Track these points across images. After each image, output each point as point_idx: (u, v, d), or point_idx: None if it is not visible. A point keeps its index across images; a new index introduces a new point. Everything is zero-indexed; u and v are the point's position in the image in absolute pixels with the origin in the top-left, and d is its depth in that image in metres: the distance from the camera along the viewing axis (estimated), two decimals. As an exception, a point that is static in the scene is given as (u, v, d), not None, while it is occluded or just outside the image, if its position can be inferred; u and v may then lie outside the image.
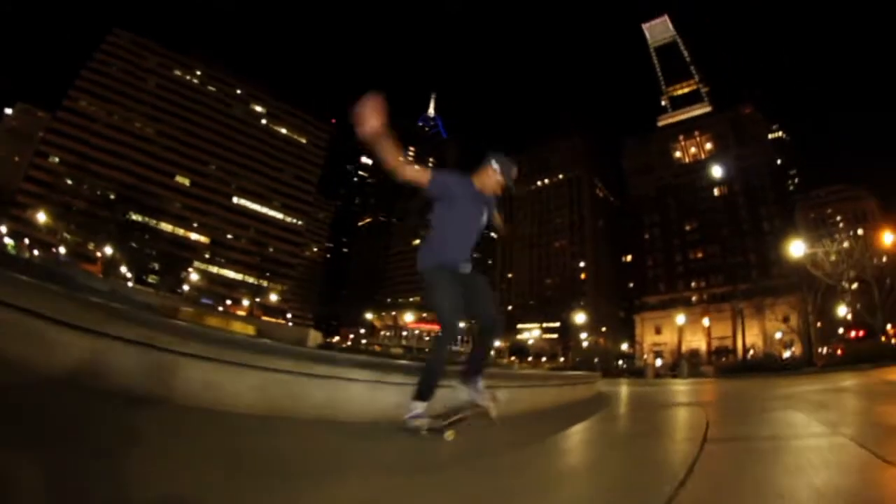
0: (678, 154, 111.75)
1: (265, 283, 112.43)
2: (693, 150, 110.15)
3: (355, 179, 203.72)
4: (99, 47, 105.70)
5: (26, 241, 74.72)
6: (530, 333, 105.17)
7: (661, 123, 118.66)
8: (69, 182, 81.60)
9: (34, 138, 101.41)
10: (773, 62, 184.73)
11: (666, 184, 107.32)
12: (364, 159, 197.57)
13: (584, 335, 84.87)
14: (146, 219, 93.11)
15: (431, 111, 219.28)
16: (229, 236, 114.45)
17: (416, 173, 3.71)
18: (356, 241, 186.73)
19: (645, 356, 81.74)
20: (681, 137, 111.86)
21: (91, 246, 79.37)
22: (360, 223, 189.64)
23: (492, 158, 3.95)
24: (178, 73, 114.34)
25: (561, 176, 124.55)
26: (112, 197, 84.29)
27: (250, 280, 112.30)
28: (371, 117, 3.32)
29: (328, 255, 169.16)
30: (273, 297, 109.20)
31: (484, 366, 3.97)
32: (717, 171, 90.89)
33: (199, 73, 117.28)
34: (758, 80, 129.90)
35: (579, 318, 79.47)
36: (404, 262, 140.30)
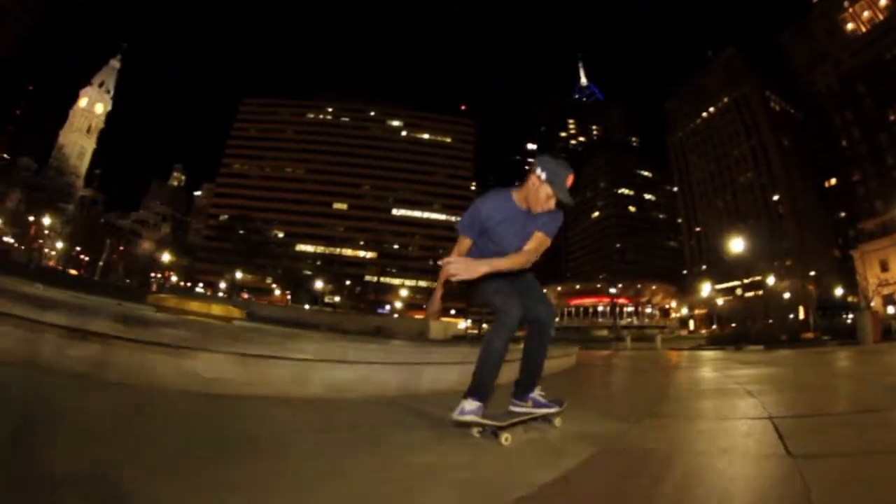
0: (850, 26, 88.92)
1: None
2: (866, 13, 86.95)
3: (526, 168, 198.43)
4: (235, 118, 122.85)
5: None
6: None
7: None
8: (241, 232, 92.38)
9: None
10: None
11: (848, 68, 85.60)
12: (530, 145, 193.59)
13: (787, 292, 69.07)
14: (316, 248, 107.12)
15: (583, 79, 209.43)
16: (396, 246, 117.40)
17: (459, 251, 3.32)
18: None
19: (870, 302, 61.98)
20: (846, 4, 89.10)
21: (269, 280, 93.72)
22: None
23: (537, 165, 3.15)
24: (310, 115, 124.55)
25: (725, 99, 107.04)
26: (281, 235, 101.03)
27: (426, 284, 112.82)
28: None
29: None
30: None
31: (539, 374, 3.51)
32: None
33: (329, 109, 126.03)
34: None
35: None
36: (585, 243, 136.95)
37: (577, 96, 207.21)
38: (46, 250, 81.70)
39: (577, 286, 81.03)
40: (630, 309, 77.91)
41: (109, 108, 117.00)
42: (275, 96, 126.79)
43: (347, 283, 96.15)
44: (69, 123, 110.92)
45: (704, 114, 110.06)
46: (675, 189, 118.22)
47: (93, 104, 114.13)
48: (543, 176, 3.06)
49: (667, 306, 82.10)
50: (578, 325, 73.40)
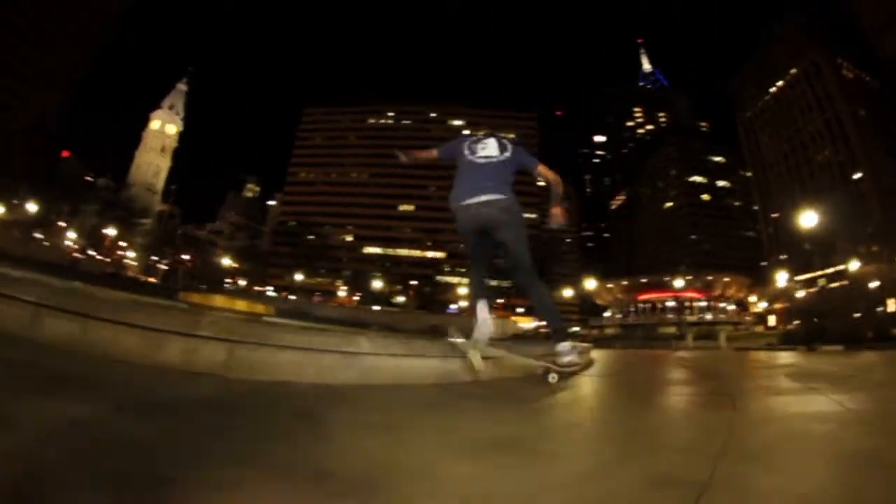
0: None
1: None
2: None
3: (595, 161, 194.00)
4: (298, 128, 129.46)
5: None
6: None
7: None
8: (310, 237, 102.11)
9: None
10: None
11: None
12: (597, 137, 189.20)
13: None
14: (385, 250, 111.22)
15: (647, 65, 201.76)
16: (462, 246, 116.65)
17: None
18: (614, 222, 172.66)
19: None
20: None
21: (337, 283, 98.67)
22: (613, 204, 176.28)
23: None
24: (371, 121, 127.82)
25: (794, 71, 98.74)
26: (349, 238, 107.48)
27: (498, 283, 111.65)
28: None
29: (589, 245, 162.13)
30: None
31: (553, 324, 4.16)
32: None
33: (390, 113, 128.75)
34: None
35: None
36: (656, 235, 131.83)
37: (641, 84, 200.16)
38: (126, 261, 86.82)
39: (644, 280, 76.20)
40: (703, 304, 72.70)
41: (181, 128, 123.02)
42: (336, 105, 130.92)
43: (414, 283, 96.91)
44: (143, 145, 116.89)
45: (773, 89, 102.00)
46: (749, 174, 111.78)
47: (164, 125, 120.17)
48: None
49: (744, 300, 76.12)
50: (645, 321, 69.19)
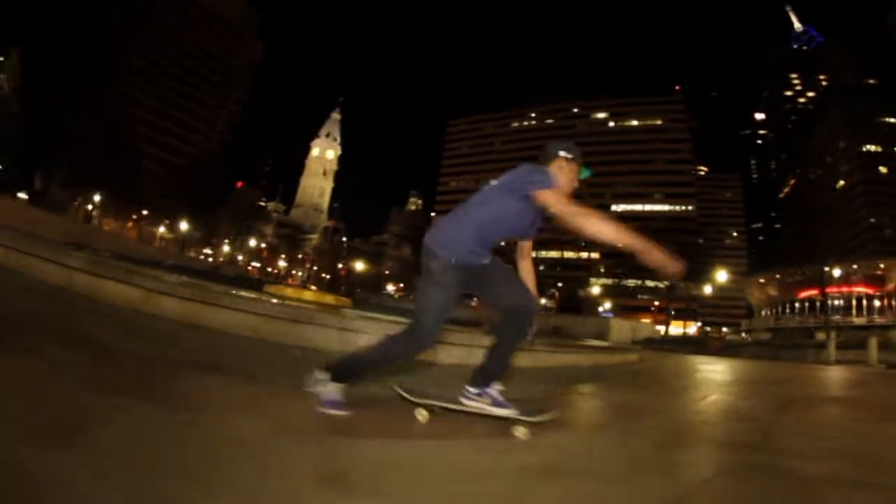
0: None
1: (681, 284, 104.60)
2: None
3: (759, 142, 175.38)
4: (445, 139, 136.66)
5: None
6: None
7: None
8: None
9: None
10: None
11: None
12: (756, 115, 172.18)
13: None
14: (536, 253, 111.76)
15: (797, 24, 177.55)
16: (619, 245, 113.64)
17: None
18: (786, 211, 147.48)
19: None
20: None
21: None
22: (783, 189, 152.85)
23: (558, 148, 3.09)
24: (514, 124, 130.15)
25: None
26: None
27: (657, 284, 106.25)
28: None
29: (760, 238, 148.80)
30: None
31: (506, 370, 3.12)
32: None
33: (532, 115, 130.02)
34: None
35: None
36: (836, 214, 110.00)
37: (795, 46, 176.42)
38: (294, 272, 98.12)
39: (800, 274, 65.70)
40: (878, 303, 61.72)
41: (339, 152, 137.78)
42: (478, 113, 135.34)
43: (560, 284, 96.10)
44: (307, 170, 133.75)
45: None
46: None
47: (324, 152, 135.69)
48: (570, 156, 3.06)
49: None
50: (800, 324, 59.65)
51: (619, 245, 2.65)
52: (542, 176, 2.85)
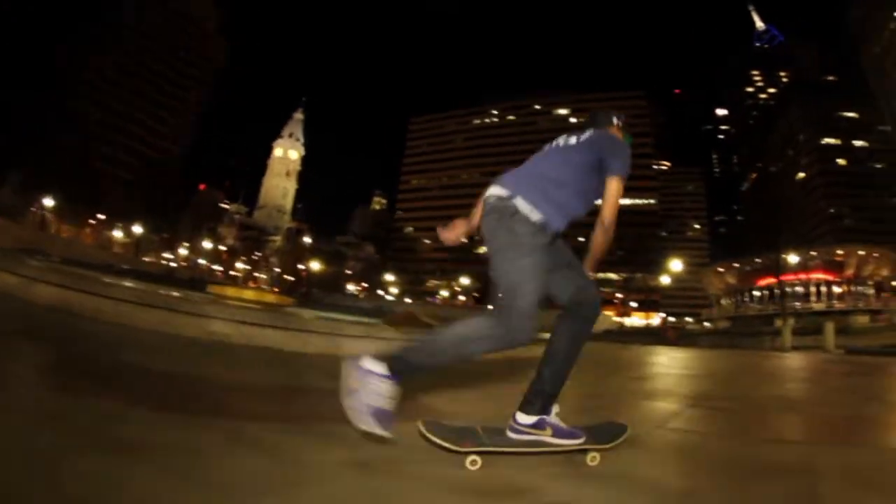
0: None
1: (638, 275, 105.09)
2: None
3: (721, 137, 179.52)
4: (406, 137, 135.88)
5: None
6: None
7: None
8: (426, 241, 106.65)
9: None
10: None
11: None
12: (718, 111, 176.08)
13: None
14: None
15: (759, 23, 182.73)
16: (581, 239, 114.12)
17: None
18: (747, 204, 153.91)
19: None
20: None
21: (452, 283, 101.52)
22: (745, 182, 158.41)
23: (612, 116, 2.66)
24: (476, 121, 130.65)
25: None
26: (465, 241, 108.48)
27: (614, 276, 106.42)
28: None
29: (722, 230, 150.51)
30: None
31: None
32: None
33: (494, 112, 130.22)
34: None
35: None
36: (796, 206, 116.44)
37: (757, 44, 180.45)
38: (256, 274, 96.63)
39: (758, 261, 65.47)
40: (838, 289, 62.14)
41: (303, 152, 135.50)
42: (440, 110, 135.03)
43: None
44: (269, 171, 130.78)
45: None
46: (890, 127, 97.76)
47: (286, 152, 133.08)
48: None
49: (884, 282, 63.00)
50: (761, 312, 60.45)
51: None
52: (627, 160, 2.37)
